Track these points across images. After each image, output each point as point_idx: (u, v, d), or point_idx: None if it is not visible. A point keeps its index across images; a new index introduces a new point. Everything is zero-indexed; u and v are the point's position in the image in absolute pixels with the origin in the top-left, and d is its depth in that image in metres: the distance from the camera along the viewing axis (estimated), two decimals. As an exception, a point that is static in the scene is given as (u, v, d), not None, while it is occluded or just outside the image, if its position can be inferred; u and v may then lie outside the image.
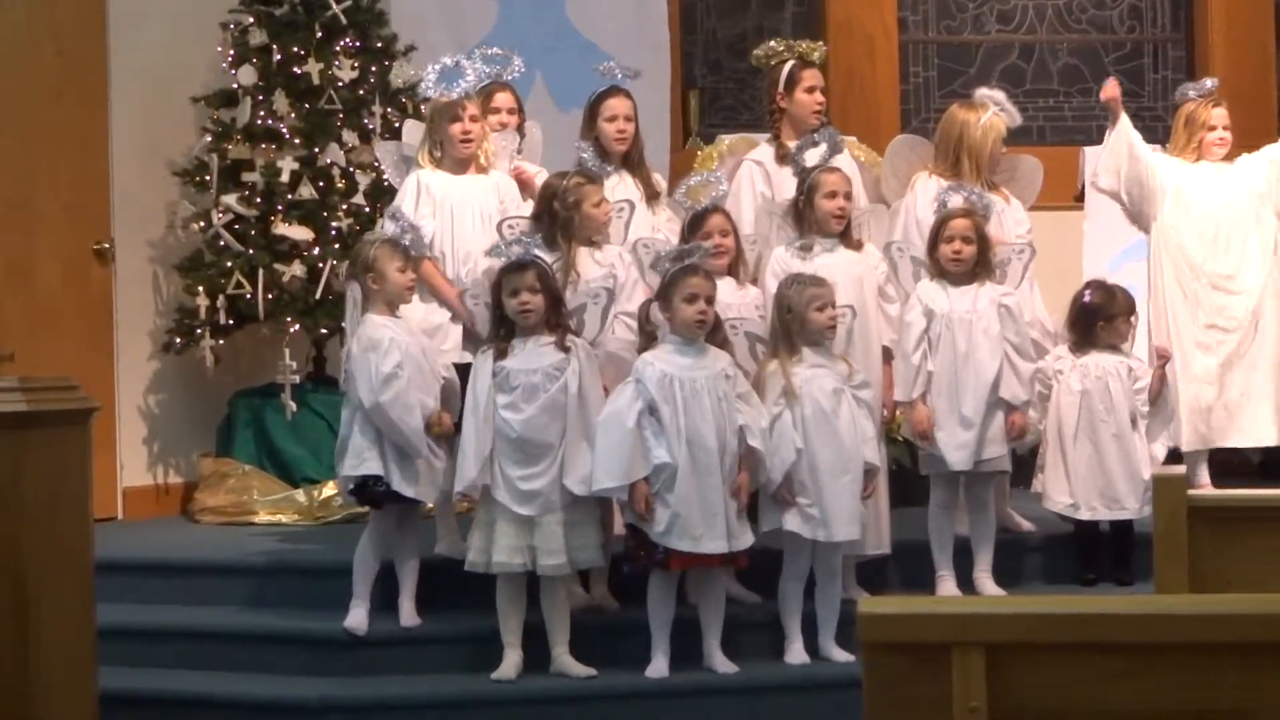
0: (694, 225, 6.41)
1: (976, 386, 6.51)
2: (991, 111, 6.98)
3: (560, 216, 6.31)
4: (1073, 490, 6.78)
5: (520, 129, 7.03)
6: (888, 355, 6.64)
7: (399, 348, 6.11)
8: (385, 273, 6.17)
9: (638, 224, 6.65)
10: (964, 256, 6.55)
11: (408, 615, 6.25)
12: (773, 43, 7.29)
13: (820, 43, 7.36)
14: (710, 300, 6.01)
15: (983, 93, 7.15)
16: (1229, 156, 7.56)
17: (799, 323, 6.16)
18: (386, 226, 6.54)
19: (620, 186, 6.77)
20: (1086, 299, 6.91)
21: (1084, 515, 6.80)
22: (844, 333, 6.37)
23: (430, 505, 6.49)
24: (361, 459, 6.12)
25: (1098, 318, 6.84)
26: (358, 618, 6.19)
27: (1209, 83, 7.68)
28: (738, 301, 6.35)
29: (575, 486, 5.96)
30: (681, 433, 5.92)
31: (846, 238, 6.60)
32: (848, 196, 6.57)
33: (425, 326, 6.40)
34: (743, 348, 6.28)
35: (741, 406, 6.02)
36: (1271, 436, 7.59)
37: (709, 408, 5.95)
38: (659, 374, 5.95)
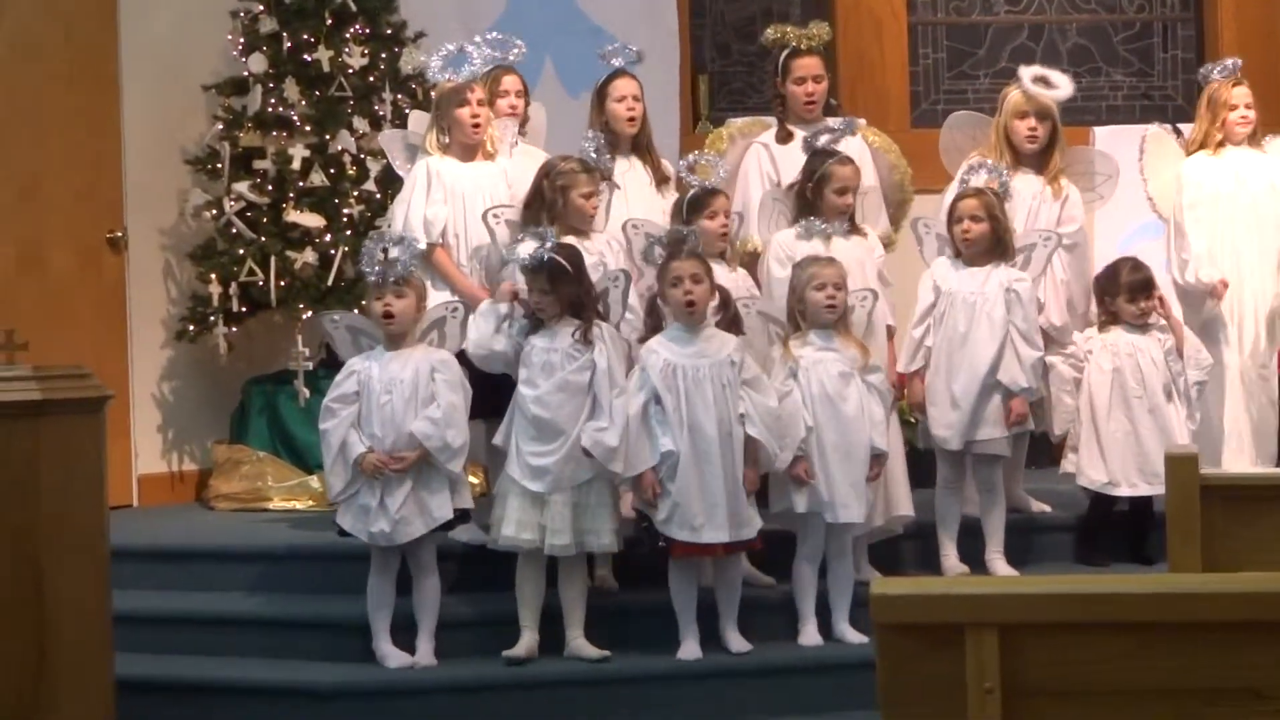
0: (697, 205, 6.42)
1: (970, 368, 6.50)
2: (1018, 88, 7.00)
3: (547, 199, 6.35)
4: (1109, 468, 6.76)
5: (525, 113, 7.04)
6: (891, 336, 6.66)
7: (359, 381, 6.07)
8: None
9: (648, 208, 6.67)
10: (972, 236, 6.55)
11: (424, 654, 6.11)
12: (773, 28, 7.28)
13: (823, 26, 7.29)
14: (697, 281, 6.01)
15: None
16: (1254, 139, 7.45)
17: (801, 303, 6.21)
18: (395, 224, 6.56)
19: (630, 171, 6.79)
20: (1094, 277, 6.95)
21: (1123, 491, 6.75)
22: (864, 316, 6.38)
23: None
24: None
25: (1104, 295, 6.87)
26: (398, 658, 6.07)
27: (1230, 62, 7.51)
28: (729, 284, 6.34)
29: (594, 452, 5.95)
30: (684, 422, 5.95)
31: (850, 224, 6.63)
32: (855, 190, 6.60)
33: (435, 317, 6.40)
34: (754, 325, 6.29)
35: (746, 393, 6.02)
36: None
37: (711, 396, 5.96)
38: (661, 363, 5.97)
